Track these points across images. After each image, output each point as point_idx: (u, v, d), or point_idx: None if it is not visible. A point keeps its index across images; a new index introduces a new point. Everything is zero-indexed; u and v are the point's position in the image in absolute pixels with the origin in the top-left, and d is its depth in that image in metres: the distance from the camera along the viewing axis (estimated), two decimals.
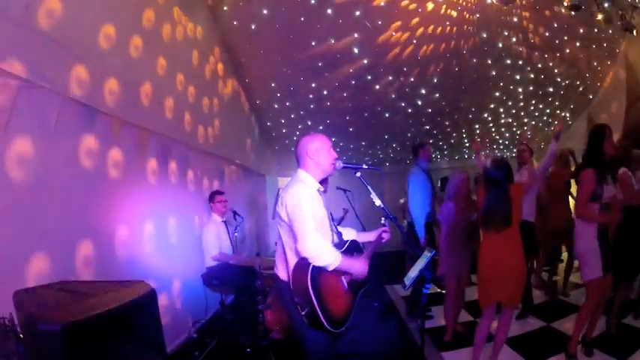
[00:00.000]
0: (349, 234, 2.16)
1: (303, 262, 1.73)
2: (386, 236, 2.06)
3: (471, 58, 5.16)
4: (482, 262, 2.50)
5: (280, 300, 2.02)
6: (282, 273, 1.93)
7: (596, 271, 2.43)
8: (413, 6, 4.35)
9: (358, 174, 1.96)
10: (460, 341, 3.17)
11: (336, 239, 1.99)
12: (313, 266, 1.70)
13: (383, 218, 2.02)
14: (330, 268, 1.74)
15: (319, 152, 1.88)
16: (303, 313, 1.70)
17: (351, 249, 1.99)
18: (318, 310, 1.66)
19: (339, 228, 2.14)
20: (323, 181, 2.03)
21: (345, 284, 1.85)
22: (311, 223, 1.73)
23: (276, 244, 2.07)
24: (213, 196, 3.88)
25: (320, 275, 1.72)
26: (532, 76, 5.68)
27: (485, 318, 2.55)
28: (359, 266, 1.84)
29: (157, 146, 3.11)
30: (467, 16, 4.45)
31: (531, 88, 5.99)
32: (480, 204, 2.55)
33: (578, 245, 2.56)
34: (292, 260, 1.82)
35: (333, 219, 2.11)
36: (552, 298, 3.97)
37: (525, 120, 6.90)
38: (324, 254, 1.71)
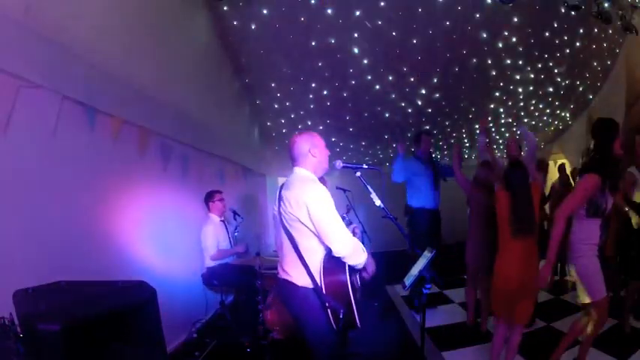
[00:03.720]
0: None
1: (333, 264, 1.68)
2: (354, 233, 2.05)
3: (470, 58, 5.15)
4: (499, 272, 2.40)
5: (302, 307, 1.77)
6: (300, 279, 1.74)
7: (602, 290, 2.24)
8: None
9: (358, 174, 1.96)
10: (460, 341, 3.18)
11: None
12: (349, 265, 1.69)
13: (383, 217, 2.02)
14: (360, 267, 1.74)
15: (318, 149, 1.87)
16: (341, 316, 1.63)
17: None
18: (354, 308, 1.66)
19: None
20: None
21: (359, 283, 1.87)
22: (339, 219, 1.69)
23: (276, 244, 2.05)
24: (211, 195, 3.83)
25: (351, 275, 1.73)
26: (532, 76, 5.67)
27: (498, 331, 2.48)
28: (373, 265, 1.86)
29: (157, 146, 3.11)
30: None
31: (531, 88, 5.98)
32: (501, 209, 2.42)
33: (579, 266, 2.27)
34: (315, 263, 1.72)
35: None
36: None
37: (525, 120, 6.89)
38: (358, 252, 1.70)
